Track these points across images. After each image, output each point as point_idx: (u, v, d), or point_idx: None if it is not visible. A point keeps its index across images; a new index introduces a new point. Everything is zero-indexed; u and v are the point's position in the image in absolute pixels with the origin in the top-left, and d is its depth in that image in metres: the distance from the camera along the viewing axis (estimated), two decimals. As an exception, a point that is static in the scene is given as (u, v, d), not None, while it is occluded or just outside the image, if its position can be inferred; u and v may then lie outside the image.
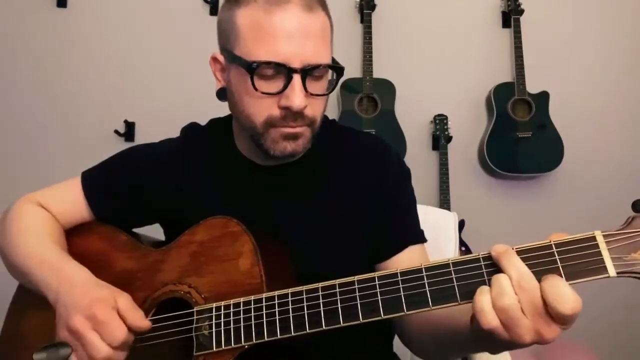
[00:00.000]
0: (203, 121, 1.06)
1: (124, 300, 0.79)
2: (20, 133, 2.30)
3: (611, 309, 2.34)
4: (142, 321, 0.78)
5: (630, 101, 2.48)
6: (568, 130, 2.30)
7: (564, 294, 0.57)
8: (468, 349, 0.77)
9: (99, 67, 2.34)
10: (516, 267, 0.60)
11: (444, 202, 2.27)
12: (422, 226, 1.00)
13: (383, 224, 0.96)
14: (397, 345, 1.03)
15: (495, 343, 0.62)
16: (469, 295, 0.62)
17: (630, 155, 2.46)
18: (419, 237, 0.98)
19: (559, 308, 0.57)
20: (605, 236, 0.59)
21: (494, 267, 0.62)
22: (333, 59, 0.87)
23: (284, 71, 0.81)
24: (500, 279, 0.60)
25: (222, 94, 0.93)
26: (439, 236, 1.30)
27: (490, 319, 0.59)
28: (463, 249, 2.28)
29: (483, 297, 0.60)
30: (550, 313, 0.58)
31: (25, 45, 2.32)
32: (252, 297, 0.74)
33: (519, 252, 0.61)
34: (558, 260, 0.60)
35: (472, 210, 2.36)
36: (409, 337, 0.94)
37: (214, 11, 2.35)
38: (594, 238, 0.60)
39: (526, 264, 0.60)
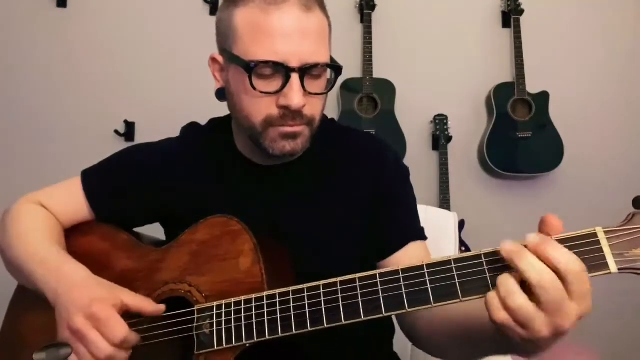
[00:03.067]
0: (203, 121, 1.06)
1: (128, 296, 0.80)
2: (20, 133, 2.30)
3: (614, 311, 2.34)
4: (155, 307, 0.80)
5: (630, 101, 2.48)
6: (568, 130, 2.30)
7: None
8: (488, 349, 0.76)
9: (99, 67, 2.34)
10: (534, 269, 0.58)
11: (444, 202, 2.27)
12: (422, 226, 1.00)
13: (383, 222, 0.96)
14: (397, 345, 1.03)
15: (515, 341, 0.61)
16: (470, 292, 0.62)
17: (630, 155, 2.46)
18: (419, 234, 0.98)
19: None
20: (606, 232, 0.59)
21: (496, 264, 0.62)
22: (331, 58, 0.87)
23: (282, 70, 0.81)
24: (505, 279, 0.59)
25: (221, 94, 0.93)
26: (439, 236, 1.30)
27: (501, 316, 0.59)
28: (463, 249, 2.28)
29: (493, 296, 0.59)
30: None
31: (25, 45, 2.32)
32: (253, 296, 0.74)
33: None
34: None
35: (472, 210, 2.36)
36: (421, 339, 0.92)
37: (213, 11, 2.35)
38: (595, 234, 0.60)
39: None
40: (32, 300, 0.89)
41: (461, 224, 2.29)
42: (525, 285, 0.59)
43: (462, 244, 2.28)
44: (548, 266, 0.58)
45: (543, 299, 0.57)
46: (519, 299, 0.58)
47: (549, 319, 0.58)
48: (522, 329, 0.59)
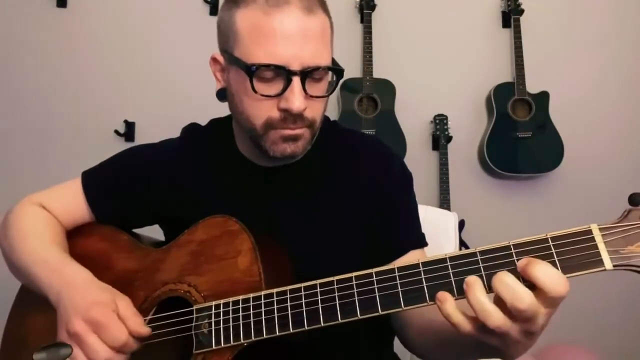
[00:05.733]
0: (203, 121, 1.06)
1: (125, 305, 0.79)
2: (20, 133, 2.30)
3: (611, 309, 2.34)
4: (142, 327, 0.78)
5: (631, 101, 2.48)
6: (568, 130, 2.30)
7: (518, 292, 0.57)
8: (471, 354, 0.77)
9: (99, 67, 2.34)
10: (517, 293, 0.58)
11: (444, 202, 2.27)
12: (422, 226, 1.00)
13: (384, 227, 0.95)
14: (397, 345, 1.03)
15: (494, 345, 0.62)
16: None
17: (630, 155, 2.46)
18: (420, 242, 0.98)
19: (517, 306, 0.57)
20: (601, 229, 0.59)
21: (491, 261, 0.62)
22: (333, 61, 0.87)
23: (284, 73, 0.81)
24: (505, 279, 0.59)
25: (222, 95, 0.93)
26: (439, 236, 1.30)
27: (499, 319, 0.59)
28: (463, 249, 2.28)
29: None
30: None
31: (26, 45, 2.32)
32: (251, 295, 0.74)
33: (515, 247, 0.61)
34: (554, 253, 0.60)
35: (472, 210, 2.36)
36: (412, 341, 0.93)
37: (214, 11, 2.35)
38: (590, 231, 0.60)
39: (522, 258, 0.60)
40: (35, 301, 0.89)
41: (461, 224, 2.29)
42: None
43: (462, 244, 2.28)
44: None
45: (519, 318, 0.58)
46: (498, 320, 0.58)
47: (521, 328, 0.59)
48: (496, 339, 0.60)
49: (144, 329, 0.78)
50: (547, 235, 0.61)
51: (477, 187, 2.44)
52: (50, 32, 2.33)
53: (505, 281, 0.58)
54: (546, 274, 0.57)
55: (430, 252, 0.99)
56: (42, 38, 2.32)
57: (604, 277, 0.60)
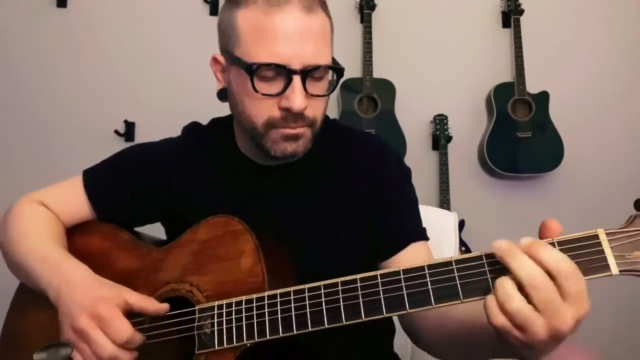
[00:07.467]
0: (203, 121, 1.06)
1: (132, 295, 0.80)
2: (20, 133, 2.30)
3: (612, 309, 2.34)
4: (158, 305, 0.80)
5: (630, 101, 2.48)
6: (568, 130, 2.30)
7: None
8: (487, 352, 0.76)
9: (99, 67, 2.33)
10: (524, 267, 0.58)
11: (444, 202, 2.27)
12: (424, 226, 1.00)
13: (383, 222, 0.96)
14: (397, 345, 1.03)
15: (513, 345, 0.62)
16: (471, 293, 0.62)
17: (630, 155, 2.46)
18: (420, 235, 0.98)
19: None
20: (607, 234, 0.59)
21: (497, 265, 0.62)
22: (333, 60, 0.87)
23: (284, 72, 0.81)
24: (502, 282, 0.59)
25: (222, 95, 0.93)
26: (439, 236, 1.30)
27: (499, 320, 0.59)
28: (463, 249, 2.28)
29: (491, 300, 0.60)
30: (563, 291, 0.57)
31: (26, 45, 2.31)
32: (254, 296, 0.74)
33: None
34: None
35: (472, 210, 2.36)
36: (426, 341, 0.92)
37: (214, 11, 2.35)
38: (596, 236, 0.60)
39: None
40: (34, 300, 0.89)
41: (461, 224, 2.29)
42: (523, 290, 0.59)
43: (462, 244, 2.28)
44: (541, 267, 0.58)
45: (535, 299, 0.58)
46: (517, 302, 0.58)
47: (546, 321, 0.58)
48: (520, 332, 0.59)
49: (161, 305, 0.81)
50: (553, 239, 0.61)
51: (477, 187, 2.44)
52: (50, 32, 2.32)
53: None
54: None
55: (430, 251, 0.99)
56: (42, 38, 2.32)
57: (606, 277, 0.60)
